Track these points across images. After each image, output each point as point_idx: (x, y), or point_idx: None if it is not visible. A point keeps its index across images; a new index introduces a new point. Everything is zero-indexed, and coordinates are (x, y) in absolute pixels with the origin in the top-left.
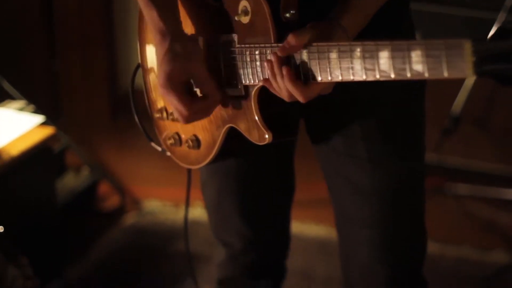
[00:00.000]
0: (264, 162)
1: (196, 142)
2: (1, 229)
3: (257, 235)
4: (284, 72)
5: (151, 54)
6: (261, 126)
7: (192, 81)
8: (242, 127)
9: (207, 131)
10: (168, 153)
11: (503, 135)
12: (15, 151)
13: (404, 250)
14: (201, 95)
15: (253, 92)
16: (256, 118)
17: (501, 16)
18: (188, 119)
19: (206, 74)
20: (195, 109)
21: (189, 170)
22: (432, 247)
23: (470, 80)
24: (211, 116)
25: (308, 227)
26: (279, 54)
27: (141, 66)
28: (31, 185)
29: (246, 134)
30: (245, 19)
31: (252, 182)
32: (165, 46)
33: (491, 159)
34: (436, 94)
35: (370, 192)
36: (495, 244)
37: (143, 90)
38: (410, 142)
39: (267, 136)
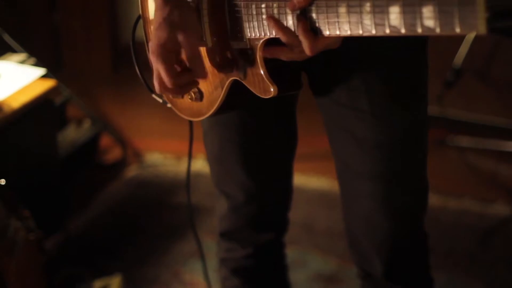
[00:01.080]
0: (267, 115)
1: (199, 95)
2: (3, 182)
3: (259, 187)
4: (300, 24)
5: (152, 5)
6: (266, 80)
7: (182, 52)
8: (246, 81)
9: (210, 83)
10: (169, 105)
11: (505, 87)
12: (17, 103)
13: (406, 203)
14: (188, 68)
15: (258, 46)
16: (261, 71)
17: None
18: (169, 91)
19: (198, 50)
20: (180, 83)
21: (191, 122)
22: (434, 199)
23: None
24: (215, 69)
25: (310, 179)
26: (288, 10)
27: (142, 17)
28: (32, 138)
29: (250, 88)
30: None
31: (254, 135)
32: (165, 11)
33: (493, 112)
34: (438, 47)
35: (372, 145)
36: (496, 196)
37: (144, 41)
38: (413, 95)
39: (272, 89)
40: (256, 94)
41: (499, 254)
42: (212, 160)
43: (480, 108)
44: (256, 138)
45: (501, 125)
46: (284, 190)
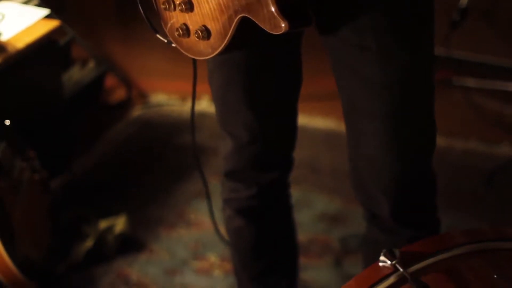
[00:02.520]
0: (273, 55)
1: (206, 33)
2: (8, 122)
3: (264, 127)
4: None
5: None
6: (276, 15)
7: None
8: (256, 17)
9: (217, 21)
10: (174, 45)
11: (511, 28)
12: (21, 44)
13: (414, 143)
14: None
15: None
16: (272, 8)
17: None
18: None
19: None
20: None
21: (194, 61)
22: (440, 140)
23: None
24: (223, 6)
25: (315, 119)
26: None
27: None
28: (37, 79)
29: (260, 24)
30: None
31: (260, 74)
32: None
33: (499, 52)
34: None
35: (380, 85)
36: (502, 137)
37: None
38: (420, 33)
39: (283, 25)
40: (266, 30)
41: (504, 195)
42: (217, 100)
43: (486, 49)
44: (262, 77)
45: (507, 66)
46: (288, 129)
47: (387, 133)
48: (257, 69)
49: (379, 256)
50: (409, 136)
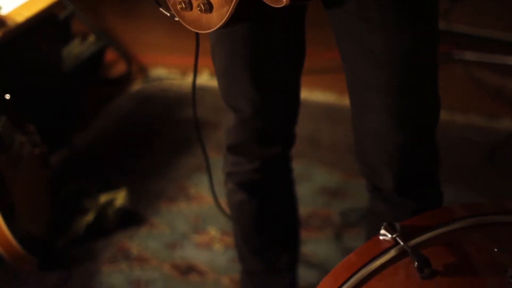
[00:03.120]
0: (276, 28)
1: (208, 6)
2: (8, 96)
3: (266, 100)
4: None
5: None
6: None
7: None
8: None
9: None
10: (177, 18)
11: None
12: (20, 18)
13: (417, 116)
14: None
15: None
16: None
17: None
18: None
19: None
20: None
21: (197, 35)
22: (441, 114)
23: None
24: None
25: (315, 93)
26: None
27: None
28: (37, 53)
29: None
30: None
31: (263, 47)
32: None
33: (499, 26)
34: None
35: (384, 58)
36: (502, 111)
37: None
38: (425, 9)
39: None
40: (268, 3)
41: (504, 169)
42: (220, 73)
43: (486, 23)
44: (265, 51)
45: (508, 39)
46: (291, 103)
47: (391, 106)
48: (260, 43)
49: (380, 229)
50: (413, 109)
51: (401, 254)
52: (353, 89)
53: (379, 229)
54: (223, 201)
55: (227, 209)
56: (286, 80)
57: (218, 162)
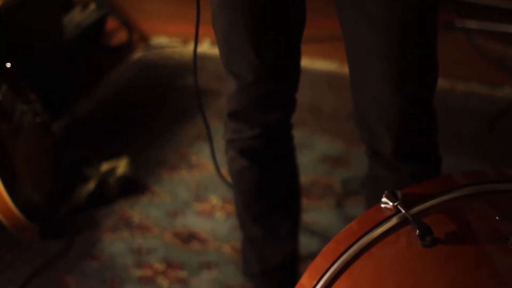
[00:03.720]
0: None
1: None
2: (9, 65)
3: (267, 67)
4: None
5: None
6: None
7: None
8: None
9: None
10: None
11: None
12: None
13: (416, 81)
14: None
15: None
16: None
17: None
18: None
19: None
20: None
21: (198, 2)
22: (441, 83)
23: None
24: None
25: (316, 61)
26: None
27: None
28: (38, 21)
29: None
30: None
31: (264, 13)
32: None
33: None
34: None
35: (384, 23)
36: (504, 79)
37: None
38: None
39: None
40: None
41: (505, 137)
42: (220, 39)
43: None
44: (265, 17)
45: (510, 7)
46: (292, 70)
47: (390, 71)
48: (261, 9)
49: (381, 193)
50: (411, 74)
51: (403, 222)
52: (352, 56)
53: (379, 194)
54: (224, 170)
55: (228, 178)
56: (286, 46)
57: (220, 130)
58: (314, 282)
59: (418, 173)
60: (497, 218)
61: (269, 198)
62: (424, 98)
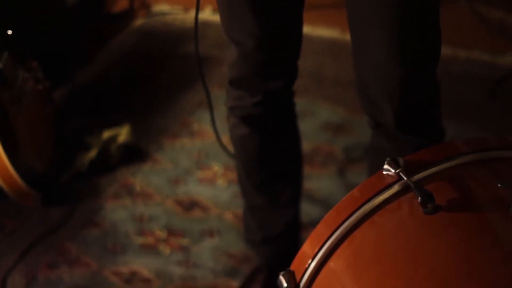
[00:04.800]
0: None
1: None
2: (10, 32)
3: (269, 33)
4: None
5: None
6: None
7: None
8: None
9: None
10: None
11: None
12: None
13: (418, 51)
14: None
15: None
16: None
17: None
18: None
19: None
20: None
21: None
22: (443, 50)
23: None
24: None
25: (318, 29)
26: None
27: None
28: None
29: None
30: None
31: None
32: None
33: None
34: None
35: None
36: (506, 47)
37: None
38: None
39: None
40: None
41: (507, 105)
42: (222, 6)
43: None
44: None
45: None
46: (293, 37)
47: (392, 41)
48: None
49: (383, 164)
50: (414, 43)
51: (405, 189)
52: (354, 25)
53: (381, 165)
54: (226, 137)
55: (230, 145)
56: (287, 13)
57: (221, 97)
58: (316, 250)
59: (421, 145)
60: (499, 185)
61: (270, 165)
62: (426, 68)
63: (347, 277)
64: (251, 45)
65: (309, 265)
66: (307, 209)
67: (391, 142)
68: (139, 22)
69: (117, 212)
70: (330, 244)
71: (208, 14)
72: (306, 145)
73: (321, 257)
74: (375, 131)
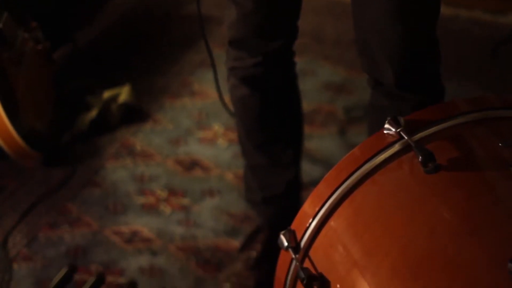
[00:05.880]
0: None
1: None
2: None
3: None
4: None
5: None
6: None
7: None
8: None
9: None
10: None
11: None
12: None
13: (418, 10)
14: None
15: None
16: None
17: None
18: None
19: None
20: None
21: None
22: (444, 9)
23: None
24: None
25: None
26: None
27: None
28: None
29: None
30: None
31: None
32: None
33: None
34: None
35: None
36: (508, 7)
37: None
38: None
39: None
40: None
41: (509, 64)
42: None
43: None
44: None
45: None
46: None
47: (392, 0)
48: None
49: (383, 122)
50: (413, 3)
51: (405, 149)
52: None
53: (381, 124)
54: (227, 97)
55: (230, 105)
56: None
57: (222, 57)
58: (317, 209)
59: (421, 103)
60: (500, 144)
61: (271, 125)
62: (425, 25)
63: (348, 236)
64: (250, 5)
65: (310, 224)
66: (307, 169)
67: (391, 100)
68: None
69: (117, 172)
70: (331, 203)
71: None
72: (307, 105)
73: (322, 216)
74: (374, 90)
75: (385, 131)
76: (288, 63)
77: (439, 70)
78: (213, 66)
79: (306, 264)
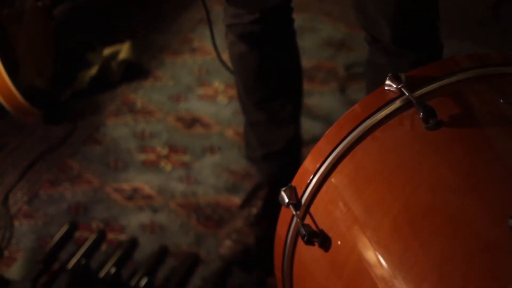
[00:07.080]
0: None
1: None
2: None
3: None
4: None
5: None
6: None
7: None
8: None
9: None
10: None
11: None
12: None
13: None
14: None
15: None
16: None
17: None
18: None
19: None
20: None
21: None
22: None
23: None
24: None
25: None
26: None
27: None
28: None
29: None
30: None
31: None
32: None
33: None
34: None
35: None
36: None
37: None
38: None
39: None
40: None
41: (509, 23)
42: None
43: None
44: None
45: None
46: None
47: None
48: None
49: (381, 79)
50: None
51: (406, 105)
52: None
53: (380, 80)
54: (226, 55)
55: (229, 62)
56: None
57: (222, 14)
58: (317, 165)
59: (419, 60)
60: (501, 101)
61: (270, 82)
62: None
63: (349, 192)
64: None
65: (311, 180)
66: (308, 126)
67: (389, 57)
68: None
69: (118, 129)
70: (332, 160)
71: None
72: (307, 62)
73: (323, 172)
74: (372, 46)
75: (386, 88)
76: (286, 19)
77: (437, 26)
78: (210, 22)
79: (307, 220)
